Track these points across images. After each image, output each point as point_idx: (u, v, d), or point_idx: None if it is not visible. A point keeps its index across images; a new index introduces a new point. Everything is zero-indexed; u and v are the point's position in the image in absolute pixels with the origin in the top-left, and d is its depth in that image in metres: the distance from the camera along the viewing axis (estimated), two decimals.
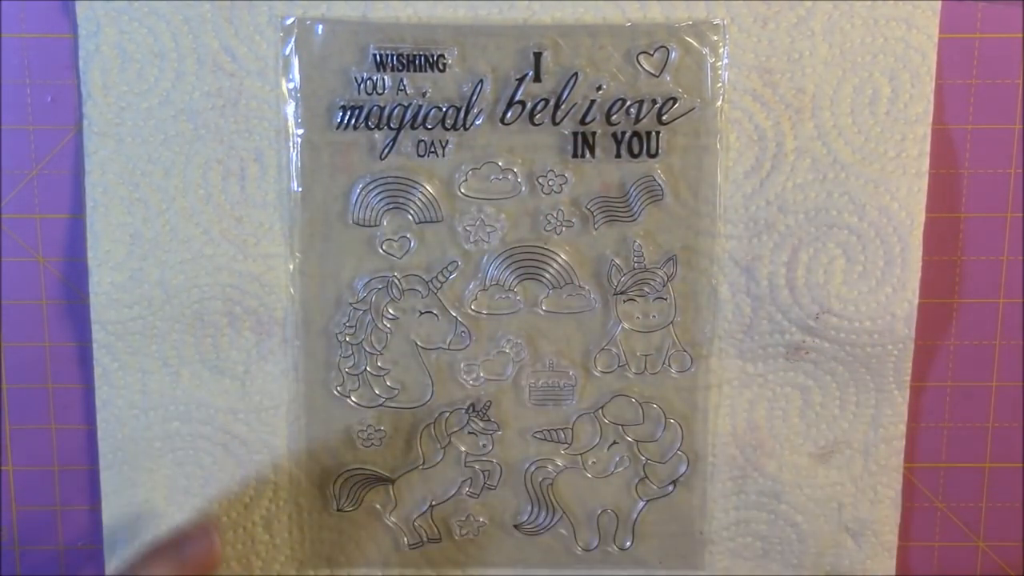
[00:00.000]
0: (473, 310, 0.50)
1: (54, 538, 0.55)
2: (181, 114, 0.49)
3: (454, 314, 0.50)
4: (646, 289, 0.50)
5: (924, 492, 0.54)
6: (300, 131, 0.49)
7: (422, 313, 0.50)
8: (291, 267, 0.50)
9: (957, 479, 0.54)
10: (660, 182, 0.49)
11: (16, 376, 0.53)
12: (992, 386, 0.53)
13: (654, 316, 0.50)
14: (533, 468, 0.52)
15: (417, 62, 0.48)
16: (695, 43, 0.48)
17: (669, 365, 0.51)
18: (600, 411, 0.52)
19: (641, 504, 0.53)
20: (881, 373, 0.51)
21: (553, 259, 0.50)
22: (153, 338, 0.51)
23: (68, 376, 0.53)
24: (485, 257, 0.50)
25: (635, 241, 0.50)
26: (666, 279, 0.50)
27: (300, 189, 0.49)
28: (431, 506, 0.53)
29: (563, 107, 0.48)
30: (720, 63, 0.48)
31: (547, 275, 0.50)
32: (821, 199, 0.49)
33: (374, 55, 0.48)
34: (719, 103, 0.49)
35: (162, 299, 0.50)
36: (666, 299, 0.50)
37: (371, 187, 0.49)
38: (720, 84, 0.48)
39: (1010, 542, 0.54)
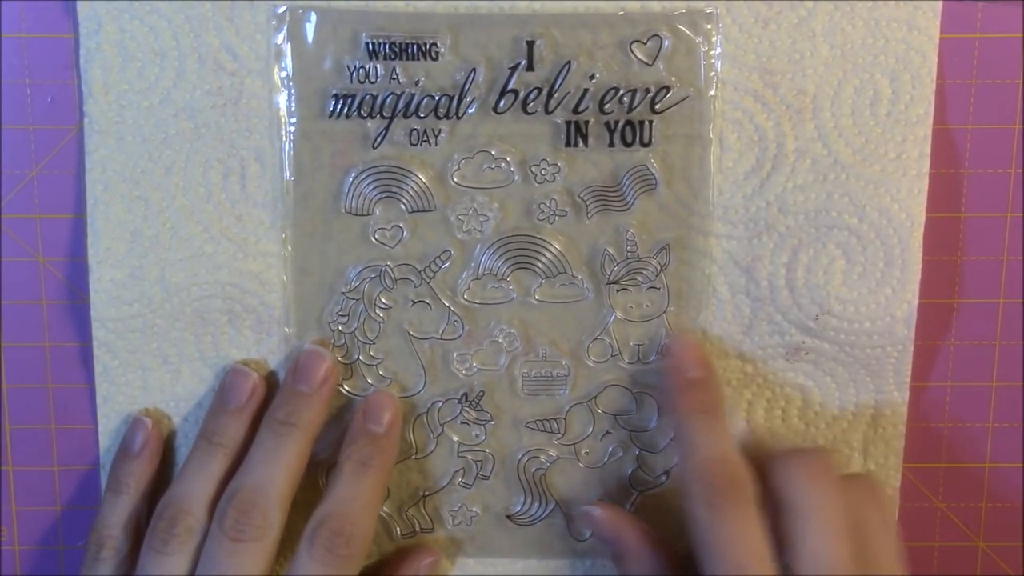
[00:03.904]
0: (466, 299, 0.50)
1: (54, 538, 0.55)
2: (182, 113, 0.49)
3: (447, 303, 0.50)
4: (639, 279, 0.50)
5: (924, 492, 0.54)
6: (293, 120, 0.49)
7: (415, 302, 0.50)
8: (284, 256, 0.50)
9: (957, 479, 0.54)
10: (653, 171, 0.49)
11: (16, 376, 0.53)
12: (992, 386, 0.53)
13: (647, 306, 0.50)
14: (526, 458, 0.52)
15: (410, 51, 0.48)
16: (688, 32, 0.48)
17: (663, 355, 0.51)
18: (593, 401, 0.52)
19: (635, 495, 0.52)
20: (881, 374, 0.51)
21: (546, 248, 0.50)
22: (153, 336, 0.51)
23: (68, 376, 0.53)
24: (478, 246, 0.50)
25: (628, 230, 0.50)
26: (659, 269, 0.50)
27: (292, 178, 0.49)
28: (423, 496, 0.53)
29: (556, 96, 0.48)
30: (713, 52, 0.48)
31: (540, 265, 0.50)
32: (821, 200, 0.49)
33: (367, 43, 0.48)
34: (712, 92, 0.49)
35: (162, 297, 0.50)
36: (659, 289, 0.50)
37: (364, 176, 0.49)
38: (713, 73, 0.48)
39: (1010, 542, 0.54)
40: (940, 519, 0.54)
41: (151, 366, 0.51)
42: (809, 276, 0.50)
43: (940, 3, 0.48)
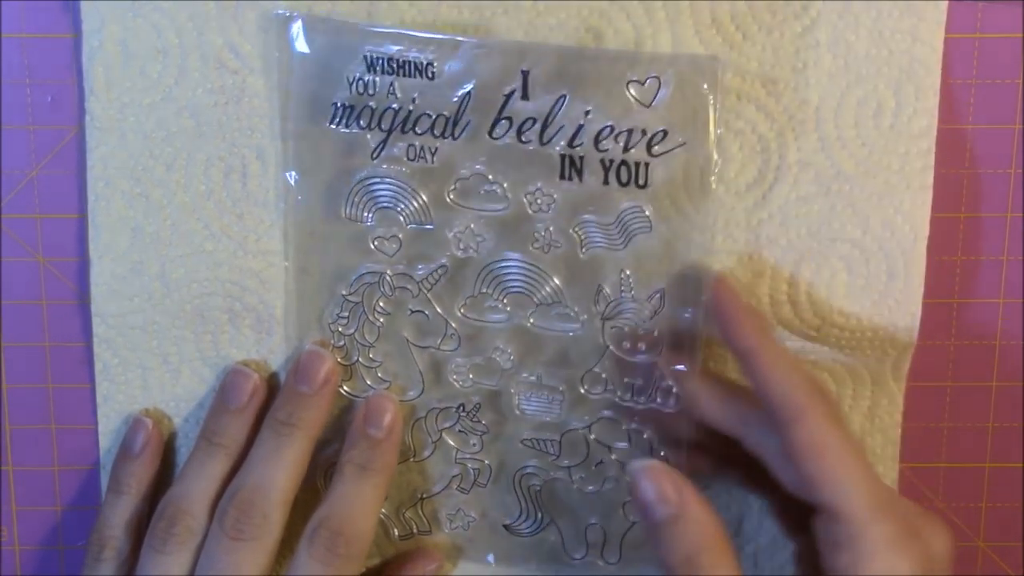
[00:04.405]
0: (462, 313, 0.50)
1: (54, 538, 0.55)
2: (184, 111, 0.49)
3: (444, 316, 0.50)
4: (634, 319, 0.49)
5: (924, 492, 0.54)
6: (295, 122, 0.48)
7: (413, 311, 0.50)
8: (284, 255, 0.50)
9: (957, 479, 0.54)
10: (649, 214, 0.48)
11: (16, 376, 0.53)
12: (992, 386, 0.53)
13: (641, 347, 0.49)
14: (522, 474, 0.52)
15: (407, 68, 0.47)
16: (689, 75, 0.46)
17: (656, 396, 0.50)
18: (587, 429, 0.51)
19: (628, 524, 0.52)
20: (879, 370, 0.51)
21: (541, 277, 0.49)
22: (153, 334, 0.51)
23: (68, 376, 0.53)
24: (474, 267, 0.49)
25: (623, 271, 0.48)
26: (654, 312, 0.49)
27: (295, 183, 0.49)
28: (421, 498, 0.53)
29: (551, 128, 0.47)
30: (715, 98, 0.46)
31: (535, 293, 0.49)
32: (824, 212, 0.49)
33: (365, 57, 0.47)
34: (712, 138, 0.47)
35: (162, 292, 0.51)
36: (654, 332, 0.49)
37: (362, 185, 0.49)
38: (715, 120, 0.47)
39: (1010, 542, 0.54)
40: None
41: (151, 365, 0.52)
42: (811, 290, 0.49)
43: (944, 15, 0.47)
